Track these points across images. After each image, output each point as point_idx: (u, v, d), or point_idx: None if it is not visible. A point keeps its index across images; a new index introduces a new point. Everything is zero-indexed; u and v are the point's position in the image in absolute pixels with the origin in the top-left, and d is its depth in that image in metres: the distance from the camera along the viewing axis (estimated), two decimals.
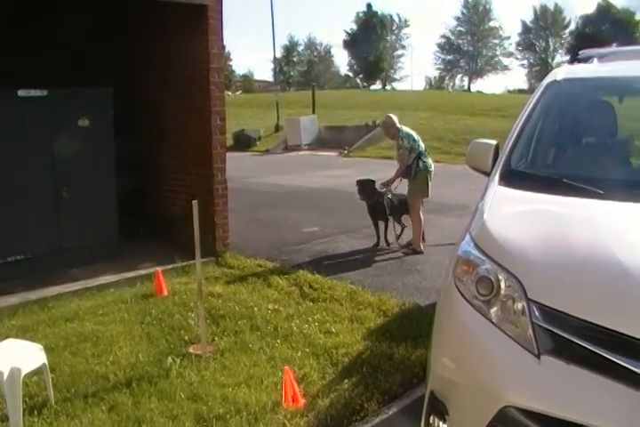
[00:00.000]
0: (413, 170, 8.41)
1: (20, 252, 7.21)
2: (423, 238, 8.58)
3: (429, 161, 8.66)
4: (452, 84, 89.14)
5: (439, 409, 2.99)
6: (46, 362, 4.35)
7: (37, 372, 4.44)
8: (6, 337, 4.86)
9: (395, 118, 8.67)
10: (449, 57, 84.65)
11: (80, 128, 7.60)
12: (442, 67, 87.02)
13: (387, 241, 8.56)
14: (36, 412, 4.23)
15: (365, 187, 8.63)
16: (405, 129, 8.61)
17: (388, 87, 78.25)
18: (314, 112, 28.08)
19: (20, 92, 7.06)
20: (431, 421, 3.08)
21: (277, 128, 28.24)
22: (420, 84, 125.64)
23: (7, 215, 6.97)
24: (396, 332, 5.46)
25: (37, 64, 8.16)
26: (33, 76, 7.22)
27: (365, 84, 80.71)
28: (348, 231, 7.78)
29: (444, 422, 2.97)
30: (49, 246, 7.44)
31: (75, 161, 7.53)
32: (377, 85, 79.75)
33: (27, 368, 4.19)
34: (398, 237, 8.73)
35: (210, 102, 7.93)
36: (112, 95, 7.78)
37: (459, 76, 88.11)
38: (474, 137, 4.57)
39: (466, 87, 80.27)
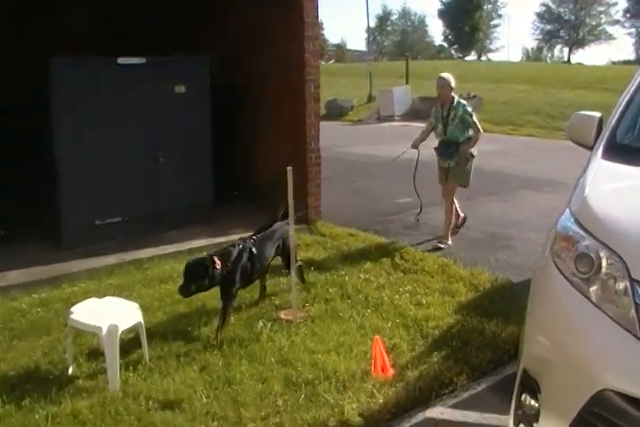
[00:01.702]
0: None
1: (117, 214, 7.46)
2: (457, 226, 7.82)
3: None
4: (550, 55, 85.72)
5: (531, 387, 2.91)
6: (142, 321, 4.50)
7: (133, 329, 4.61)
8: (104, 295, 5.05)
9: (451, 79, 7.29)
10: (548, 27, 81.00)
11: (177, 95, 7.73)
12: (540, 37, 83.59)
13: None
14: (131, 367, 4.39)
15: None
16: (462, 100, 7.37)
17: (483, 58, 76.03)
18: (407, 82, 27.57)
19: (120, 60, 7.23)
20: (523, 398, 3.01)
21: (370, 98, 27.94)
22: (516, 56, 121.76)
23: (106, 179, 7.21)
24: (487, 307, 5.35)
25: (137, 34, 8.36)
26: (133, 45, 7.38)
27: (460, 54, 78.63)
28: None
29: (536, 400, 2.89)
30: (145, 210, 7.65)
31: (171, 127, 7.69)
32: (472, 56, 77.59)
33: (124, 325, 4.34)
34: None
35: (304, 70, 7.90)
36: (208, 63, 7.86)
37: (558, 46, 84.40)
38: (573, 111, 4.34)
39: (565, 58, 76.88)
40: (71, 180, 7.09)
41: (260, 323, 4.97)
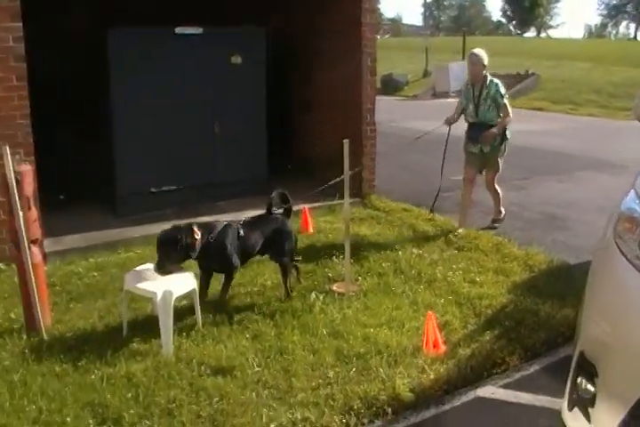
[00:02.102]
0: (499, 137, 6.69)
1: (174, 182, 7.55)
2: (495, 221, 7.19)
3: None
4: (615, 31, 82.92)
5: (588, 371, 2.82)
6: (196, 288, 4.55)
7: (187, 296, 4.66)
8: None
9: (484, 55, 6.70)
10: (614, 1, 78.21)
11: (233, 65, 7.73)
12: (605, 13, 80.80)
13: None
14: (184, 333, 4.45)
15: None
16: (495, 79, 6.72)
17: (542, 35, 73.97)
18: (464, 58, 27.01)
19: (178, 30, 7.26)
20: (578, 382, 2.93)
21: (425, 73, 27.61)
22: (578, 33, 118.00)
23: (161, 147, 7.28)
24: (542, 288, 5.25)
25: (195, 4, 8.34)
26: (190, 15, 7.38)
27: (519, 30, 76.68)
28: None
29: (593, 384, 2.80)
30: (200, 179, 7.73)
31: (227, 97, 7.70)
32: (531, 33, 75.64)
33: (178, 292, 4.40)
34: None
35: (361, 43, 7.80)
36: (264, 35, 7.82)
37: (624, 23, 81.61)
38: (638, 90, 4.17)
39: (632, 35, 74.19)
40: (127, 147, 7.18)
41: (313, 295, 4.98)
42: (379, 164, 8.22)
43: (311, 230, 6.70)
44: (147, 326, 4.53)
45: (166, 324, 4.28)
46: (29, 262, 4.48)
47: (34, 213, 4.62)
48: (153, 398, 3.66)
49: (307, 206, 6.77)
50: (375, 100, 8.08)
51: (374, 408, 3.61)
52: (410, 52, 33.93)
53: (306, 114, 8.95)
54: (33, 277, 4.50)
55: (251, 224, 4.89)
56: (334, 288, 5.15)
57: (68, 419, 3.51)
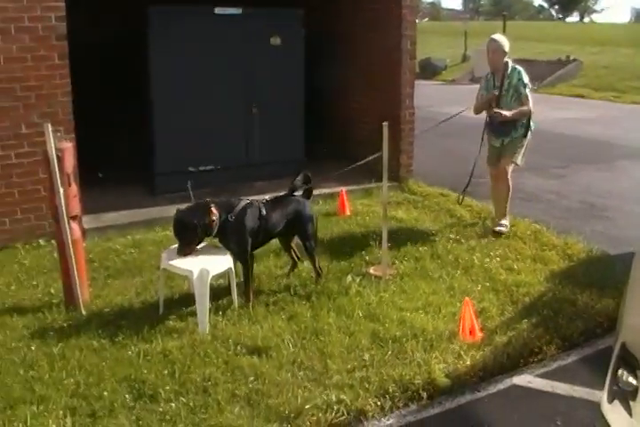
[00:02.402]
0: (522, 128, 6.15)
1: (211, 162, 7.57)
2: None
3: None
4: None
5: (630, 363, 2.75)
6: (232, 267, 4.56)
7: (223, 276, 4.68)
8: None
9: (505, 41, 6.14)
10: None
11: (272, 46, 7.70)
12: None
13: None
14: (220, 313, 4.49)
15: None
16: (518, 67, 6.15)
17: (586, 20, 72.38)
18: None
19: (217, 10, 7.25)
20: (619, 374, 2.86)
21: (464, 58, 27.19)
22: (624, 17, 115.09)
23: (200, 127, 7.30)
24: (580, 278, 5.16)
25: None
26: None
27: (561, 15, 75.14)
28: (535, 169, 7.38)
29: (635, 377, 2.74)
30: (237, 160, 7.75)
31: (265, 79, 7.68)
32: (573, 17, 74.06)
33: (214, 271, 4.42)
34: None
35: (401, 26, 7.69)
36: (303, 16, 7.76)
37: None
38: None
39: None
40: (166, 127, 7.22)
41: (349, 277, 4.96)
42: (417, 148, 8.14)
43: (348, 213, 6.69)
44: (183, 304, 4.57)
45: (202, 302, 4.30)
46: (69, 238, 4.54)
47: (74, 189, 4.67)
48: (188, 376, 3.69)
49: (343, 189, 6.73)
50: (414, 84, 7.98)
51: (409, 392, 3.60)
52: (448, 37, 33.43)
53: (343, 97, 8.88)
54: (72, 253, 4.56)
55: (273, 204, 4.81)
56: (371, 271, 5.13)
57: (105, 393, 3.56)
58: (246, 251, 4.62)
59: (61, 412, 3.41)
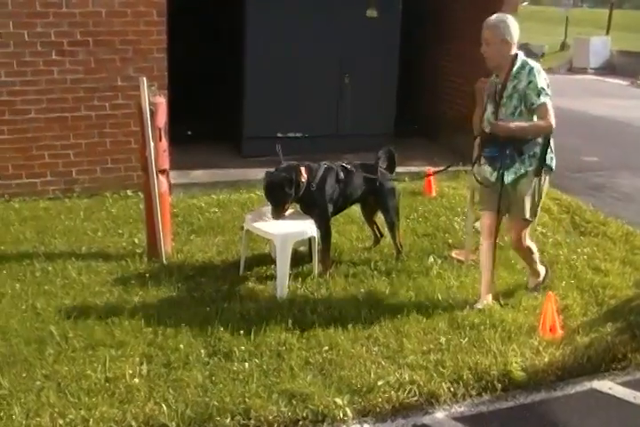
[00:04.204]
0: (534, 160, 4.10)
1: (299, 129, 7.56)
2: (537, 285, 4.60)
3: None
4: None
5: None
6: (316, 235, 4.54)
7: (305, 244, 4.67)
8: None
9: (508, 25, 4.08)
10: None
11: (368, 18, 7.59)
12: None
13: None
14: (300, 279, 4.49)
15: None
16: (531, 62, 4.09)
17: None
18: (608, 33, 25.54)
19: None
20: None
21: (563, 47, 26.21)
22: None
23: (291, 93, 7.30)
24: None
25: None
26: None
27: None
28: (631, 168, 7.02)
29: None
30: (326, 129, 7.71)
31: (359, 50, 7.59)
32: None
33: (297, 237, 4.42)
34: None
35: (501, 7, 7.41)
36: None
37: None
38: None
39: None
40: (258, 91, 7.24)
41: (431, 258, 4.89)
42: None
43: (434, 194, 6.57)
44: (263, 267, 4.59)
45: (283, 267, 4.32)
46: (156, 191, 4.61)
47: (164, 143, 4.73)
48: (264, 339, 3.71)
49: (431, 169, 6.61)
50: None
51: (484, 381, 3.51)
52: (547, 23, 32.29)
53: (434, 75, 8.72)
54: (158, 206, 4.63)
55: (354, 169, 4.75)
56: (453, 255, 5.03)
57: (181, 346, 3.63)
58: (327, 217, 4.61)
59: (138, 359, 3.49)
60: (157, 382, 3.32)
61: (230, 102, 7.79)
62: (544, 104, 3.98)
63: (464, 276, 4.68)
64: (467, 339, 3.83)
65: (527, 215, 4.21)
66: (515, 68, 4.05)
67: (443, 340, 3.80)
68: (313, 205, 4.56)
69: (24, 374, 3.33)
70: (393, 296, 4.31)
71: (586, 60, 22.17)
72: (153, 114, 4.52)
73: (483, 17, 7.59)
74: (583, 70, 21.87)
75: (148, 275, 4.48)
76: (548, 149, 4.14)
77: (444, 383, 3.42)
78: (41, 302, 4.08)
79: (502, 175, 4.10)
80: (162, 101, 4.72)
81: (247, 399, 3.18)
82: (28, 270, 4.52)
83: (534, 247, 4.52)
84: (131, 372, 3.37)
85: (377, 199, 4.88)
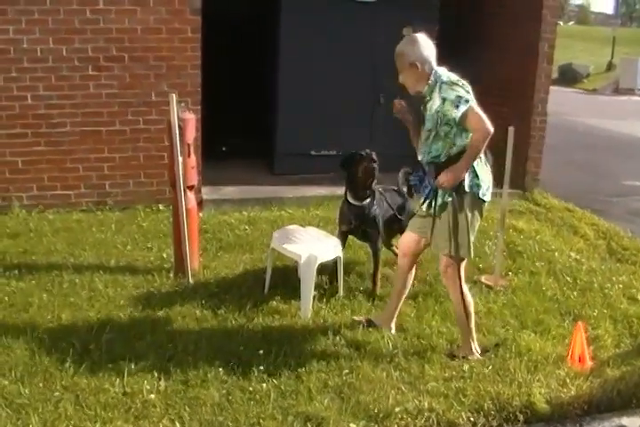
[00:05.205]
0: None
1: (333, 148, 7.54)
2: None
3: (488, 178, 3.88)
4: None
5: None
6: (341, 256, 4.50)
7: (330, 264, 4.62)
8: (309, 224, 5.13)
9: (420, 46, 3.81)
10: None
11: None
12: None
13: None
14: (324, 300, 4.45)
15: None
16: (447, 74, 3.77)
17: None
18: None
19: None
20: None
21: (610, 67, 25.86)
22: None
23: (325, 111, 7.31)
24: None
25: None
26: None
27: None
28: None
29: None
30: (359, 147, 7.65)
31: (395, 69, 7.54)
32: None
33: (322, 258, 4.38)
34: None
35: (540, 27, 7.36)
36: (438, 7, 7.57)
37: None
38: None
39: None
40: (292, 108, 7.27)
41: None
42: (546, 157, 7.78)
43: None
44: (288, 287, 4.56)
45: (307, 287, 4.28)
46: (183, 206, 4.63)
47: (193, 160, 4.76)
48: (284, 359, 3.67)
49: None
50: (549, 89, 7.64)
51: (505, 412, 3.40)
52: (593, 43, 31.89)
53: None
54: (185, 222, 4.64)
55: (388, 195, 4.87)
56: (482, 280, 4.94)
57: (200, 363, 3.60)
58: (381, 235, 4.68)
59: (156, 374, 3.48)
60: (174, 398, 3.31)
61: (264, 119, 7.83)
62: (466, 112, 3.57)
63: (492, 302, 4.59)
64: (490, 367, 3.74)
65: (447, 251, 3.76)
66: (426, 88, 3.73)
67: (466, 367, 3.71)
68: (371, 227, 4.61)
69: (43, 385, 3.35)
70: (418, 320, 4.24)
71: (633, 80, 21.81)
72: (182, 129, 4.55)
73: (523, 38, 7.59)
74: (630, 91, 21.49)
75: (173, 291, 4.50)
76: (472, 174, 3.68)
77: (463, 413, 3.33)
78: (66, 313, 4.12)
79: (429, 205, 3.79)
80: (191, 117, 4.75)
81: (262, 420, 3.15)
82: (57, 281, 4.58)
83: (471, 304, 3.87)
84: (148, 387, 3.37)
85: (398, 222, 4.82)
